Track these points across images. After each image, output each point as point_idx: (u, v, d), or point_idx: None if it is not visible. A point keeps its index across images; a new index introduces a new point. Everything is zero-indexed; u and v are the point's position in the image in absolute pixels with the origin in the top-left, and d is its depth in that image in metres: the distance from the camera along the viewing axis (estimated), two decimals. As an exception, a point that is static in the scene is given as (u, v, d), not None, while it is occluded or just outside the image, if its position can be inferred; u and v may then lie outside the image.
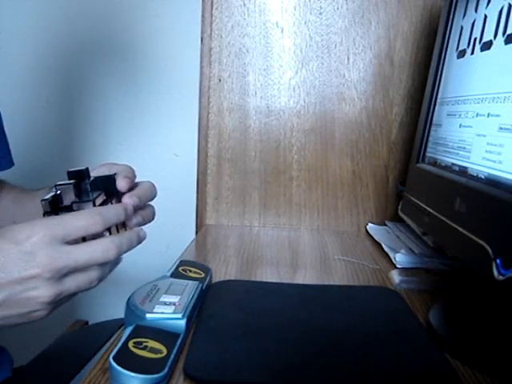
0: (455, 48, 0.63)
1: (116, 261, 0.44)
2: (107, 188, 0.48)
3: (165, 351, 0.40)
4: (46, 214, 0.44)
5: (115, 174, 0.49)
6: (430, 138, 0.68)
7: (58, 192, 0.45)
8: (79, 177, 0.47)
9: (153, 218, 0.52)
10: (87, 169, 0.48)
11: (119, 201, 0.48)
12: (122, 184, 0.48)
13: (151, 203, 0.52)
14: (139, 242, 0.46)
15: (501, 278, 0.39)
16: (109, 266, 0.43)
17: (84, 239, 0.41)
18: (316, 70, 0.94)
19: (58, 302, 0.41)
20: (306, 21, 0.93)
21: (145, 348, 0.39)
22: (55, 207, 0.45)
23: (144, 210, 0.50)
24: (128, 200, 0.47)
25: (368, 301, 0.58)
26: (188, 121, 1.04)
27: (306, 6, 0.93)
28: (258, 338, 0.46)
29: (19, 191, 0.67)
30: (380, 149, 0.96)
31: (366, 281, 0.68)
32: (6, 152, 0.72)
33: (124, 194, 0.48)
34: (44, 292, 0.39)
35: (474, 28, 0.57)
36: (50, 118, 1.14)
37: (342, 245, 0.87)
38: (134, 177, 0.52)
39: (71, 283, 0.40)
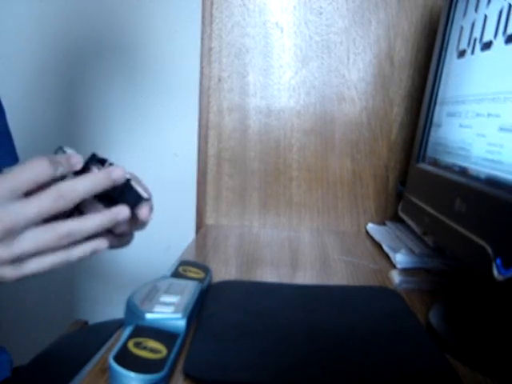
0: (455, 48, 0.63)
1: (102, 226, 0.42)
2: (123, 198, 0.45)
3: (165, 351, 0.40)
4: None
5: (148, 198, 0.47)
6: (430, 138, 0.68)
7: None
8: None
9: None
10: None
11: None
12: (145, 213, 0.46)
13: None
14: (107, 184, 0.42)
15: (501, 278, 0.39)
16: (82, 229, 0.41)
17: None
18: (316, 69, 0.94)
19: (26, 265, 0.39)
20: (306, 21, 0.93)
21: (145, 348, 0.39)
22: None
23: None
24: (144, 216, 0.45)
25: (368, 301, 0.57)
26: (188, 121, 1.04)
27: (305, 6, 0.93)
28: (257, 338, 0.46)
29: None
30: (380, 149, 0.96)
31: (366, 281, 0.68)
32: (12, 149, 0.72)
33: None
34: (1, 254, 0.37)
35: (474, 28, 0.57)
36: (50, 117, 1.14)
37: (342, 245, 0.87)
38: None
39: (29, 242, 0.38)
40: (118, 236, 0.47)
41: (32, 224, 0.39)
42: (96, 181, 0.42)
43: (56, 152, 0.45)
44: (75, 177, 0.42)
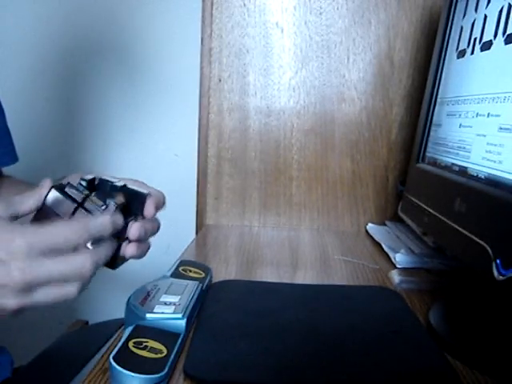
0: (455, 48, 0.63)
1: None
2: (131, 203, 0.45)
3: (165, 351, 0.40)
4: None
5: (148, 193, 0.46)
6: (430, 138, 0.68)
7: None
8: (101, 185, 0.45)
9: (157, 231, 0.50)
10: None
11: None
12: (150, 210, 0.46)
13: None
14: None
15: (501, 278, 0.39)
16: (87, 279, 0.40)
17: None
18: (316, 70, 0.94)
19: (33, 295, 0.38)
20: (306, 21, 0.93)
21: (145, 348, 0.39)
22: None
23: (148, 223, 0.47)
24: (134, 231, 0.45)
25: (368, 301, 0.58)
26: (188, 121, 1.04)
27: (305, 6, 0.93)
28: (257, 338, 0.46)
29: (24, 186, 0.67)
30: (380, 149, 0.96)
31: (365, 281, 0.68)
32: (11, 148, 0.73)
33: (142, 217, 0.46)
34: (11, 303, 0.37)
35: (474, 28, 0.57)
36: (49, 116, 1.14)
37: (342, 245, 0.87)
38: (163, 205, 0.49)
39: (41, 296, 0.38)
40: (137, 243, 0.46)
41: (53, 282, 0.38)
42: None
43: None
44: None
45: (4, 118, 0.72)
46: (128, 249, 0.45)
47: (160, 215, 0.52)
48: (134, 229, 0.45)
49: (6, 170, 0.74)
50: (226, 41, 0.95)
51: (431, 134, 0.68)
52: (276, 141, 0.97)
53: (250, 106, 0.96)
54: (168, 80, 1.09)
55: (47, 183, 0.42)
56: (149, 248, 0.48)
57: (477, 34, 0.56)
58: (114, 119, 1.12)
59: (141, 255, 0.47)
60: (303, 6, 0.93)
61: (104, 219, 0.40)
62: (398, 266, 0.73)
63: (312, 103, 0.95)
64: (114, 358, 0.37)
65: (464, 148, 0.55)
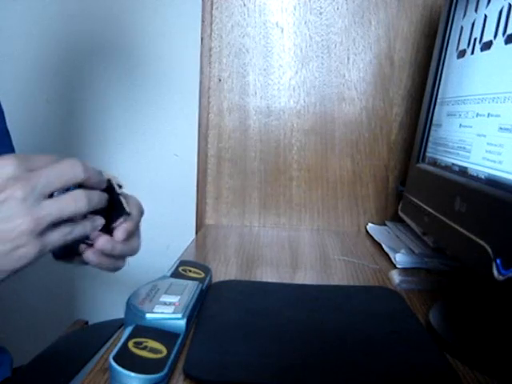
0: (455, 48, 0.63)
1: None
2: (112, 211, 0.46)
3: (165, 351, 0.40)
4: None
5: (130, 214, 0.47)
6: (430, 138, 0.68)
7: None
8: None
9: (130, 254, 0.50)
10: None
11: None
12: (119, 233, 0.46)
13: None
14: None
15: (501, 278, 0.39)
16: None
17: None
18: (316, 70, 0.94)
19: (46, 237, 0.39)
20: (306, 21, 0.93)
21: (145, 348, 0.39)
22: None
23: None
24: (120, 235, 0.46)
25: (368, 301, 0.57)
26: (188, 121, 1.04)
27: (305, 6, 0.93)
28: (257, 338, 0.46)
29: None
30: (380, 149, 0.96)
31: (366, 281, 0.68)
32: (11, 149, 0.73)
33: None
34: (22, 217, 0.37)
35: (474, 28, 0.57)
36: (50, 118, 1.14)
37: (342, 245, 0.87)
38: (134, 233, 0.49)
39: (52, 207, 0.39)
40: (110, 257, 0.47)
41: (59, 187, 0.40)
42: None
43: None
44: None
45: (4, 119, 0.72)
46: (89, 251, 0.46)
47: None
48: (102, 240, 0.45)
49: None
50: (226, 41, 0.95)
51: (431, 133, 0.68)
52: (276, 141, 0.97)
53: (249, 105, 0.96)
54: (168, 80, 1.09)
55: None
56: (118, 265, 0.48)
57: (477, 34, 0.56)
58: (114, 120, 1.12)
59: (102, 265, 0.47)
60: (303, 6, 0.93)
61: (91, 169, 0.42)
62: (398, 265, 0.73)
63: (312, 103, 0.95)
64: (113, 358, 0.37)
65: (464, 148, 0.55)
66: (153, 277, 0.55)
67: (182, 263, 0.61)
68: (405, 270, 0.71)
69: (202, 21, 0.94)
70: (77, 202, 0.40)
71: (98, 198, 0.43)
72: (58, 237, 0.40)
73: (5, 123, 0.72)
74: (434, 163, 0.64)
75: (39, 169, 0.39)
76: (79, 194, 0.41)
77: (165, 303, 0.47)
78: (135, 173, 1.11)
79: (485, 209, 0.45)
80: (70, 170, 0.40)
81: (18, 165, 0.38)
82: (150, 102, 1.11)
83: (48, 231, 0.39)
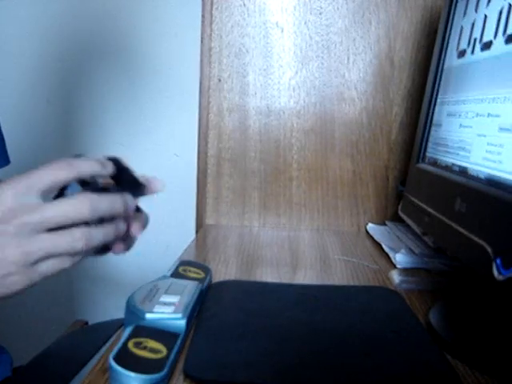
0: (455, 48, 0.63)
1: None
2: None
3: (165, 351, 0.40)
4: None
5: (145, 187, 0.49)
6: (430, 138, 0.68)
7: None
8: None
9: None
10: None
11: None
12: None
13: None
14: (124, 209, 0.43)
15: (501, 277, 0.39)
16: (99, 230, 0.41)
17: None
18: (316, 69, 0.94)
19: (37, 268, 0.39)
20: (306, 21, 0.93)
21: (145, 348, 0.39)
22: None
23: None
24: (136, 233, 0.46)
25: (368, 301, 0.57)
26: (188, 121, 1.04)
27: (305, 6, 0.93)
28: (257, 338, 0.46)
29: None
30: (380, 149, 0.96)
31: (365, 281, 0.68)
32: (2, 150, 0.72)
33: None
34: (12, 248, 0.37)
35: (474, 28, 0.57)
36: (50, 117, 1.14)
37: (342, 245, 0.87)
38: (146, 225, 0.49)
39: (45, 242, 0.38)
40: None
41: (53, 226, 0.39)
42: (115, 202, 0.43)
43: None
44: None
45: None
46: (117, 246, 0.45)
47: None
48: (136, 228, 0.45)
49: (1, 172, 0.74)
50: (226, 41, 0.95)
51: (431, 134, 0.68)
52: (276, 141, 0.97)
53: (249, 105, 0.96)
54: (168, 80, 1.09)
55: None
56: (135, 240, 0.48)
57: (477, 34, 0.56)
58: (114, 120, 1.12)
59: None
60: (303, 6, 0.93)
61: (113, 198, 0.42)
62: (398, 266, 0.73)
63: (312, 103, 0.95)
64: (113, 358, 0.37)
65: (464, 148, 0.55)
66: (153, 277, 0.55)
67: (182, 263, 0.61)
68: (405, 270, 0.71)
69: (202, 21, 0.94)
70: (73, 241, 0.39)
71: (101, 233, 0.41)
72: (51, 267, 0.40)
73: None
74: (434, 163, 0.64)
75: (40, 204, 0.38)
76: (77, 232, 0.39)
77: (165, 303, 0.47)
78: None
79: (485, 209, 0.45)
80: (72, 209, 0.39)
81: (14, 195, 0.38)
82: (150, 102, 1.11)
83: (41, 262, 0.39)
